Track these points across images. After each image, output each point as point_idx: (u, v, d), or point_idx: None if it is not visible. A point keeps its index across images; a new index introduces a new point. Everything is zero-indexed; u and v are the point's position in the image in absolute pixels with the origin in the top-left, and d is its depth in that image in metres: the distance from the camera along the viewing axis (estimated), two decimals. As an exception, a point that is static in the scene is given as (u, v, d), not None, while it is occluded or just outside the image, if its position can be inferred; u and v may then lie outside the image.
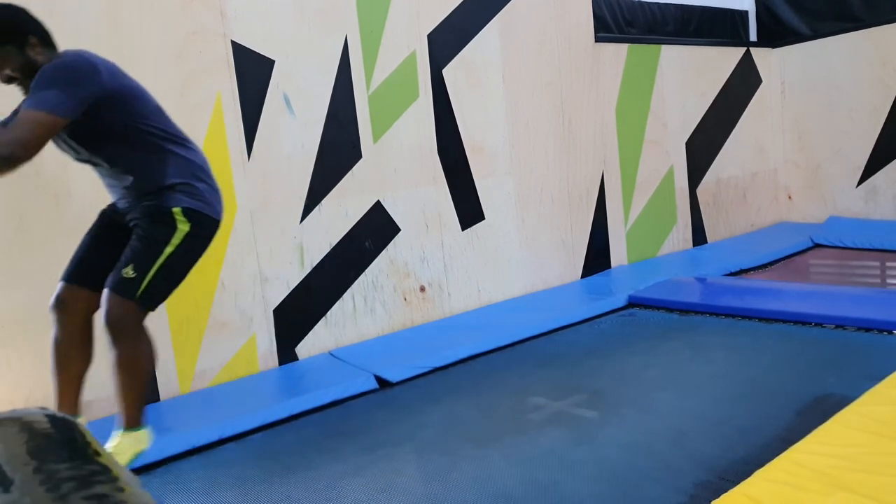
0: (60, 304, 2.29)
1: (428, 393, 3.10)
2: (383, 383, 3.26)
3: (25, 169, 2.16)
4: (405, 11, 3.99)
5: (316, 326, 3.71)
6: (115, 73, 2.17)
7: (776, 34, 6.54)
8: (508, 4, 4.46)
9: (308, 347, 3.68)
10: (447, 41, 4.19)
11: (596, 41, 5.00)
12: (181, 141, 2.31)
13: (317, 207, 3.69)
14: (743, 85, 6.21)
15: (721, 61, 6.01)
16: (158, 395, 3.16)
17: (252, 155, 3.46)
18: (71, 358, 2.31)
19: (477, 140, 4.35)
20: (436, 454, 2.43)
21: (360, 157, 3.84)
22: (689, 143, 5.73)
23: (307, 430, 2.80)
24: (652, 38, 5.52)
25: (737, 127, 6.17)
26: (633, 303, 4.31)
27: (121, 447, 2.21)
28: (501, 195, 4.50)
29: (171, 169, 2.24)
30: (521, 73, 4.55)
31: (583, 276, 4.99)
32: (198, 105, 3.27)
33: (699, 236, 5.89)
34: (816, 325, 3.49)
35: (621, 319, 4.06)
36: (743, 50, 6.21)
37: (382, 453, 2.48)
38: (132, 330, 2.20)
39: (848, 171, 6.15)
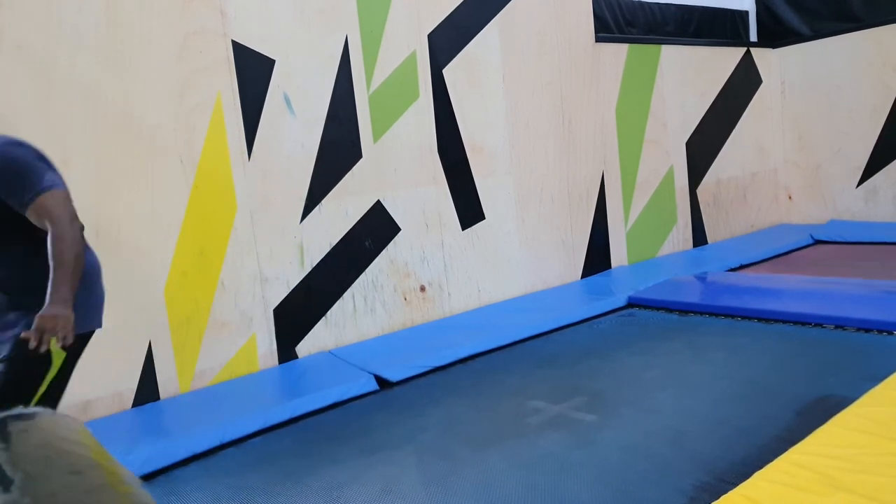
0: None
1: (427, 393, 3.10)
2: (383, 383, 3.26)
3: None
4: (405, 11, 3.99)
5: (316, 326, 3.71)
6: None
7: (776, 34, 6.54)
8: (508, 4, 4.46)
9: (308, 347, 3.68)
10: (447, 41, 4.18)
11: (596, 41, 4.99)
12: None
13: (317, 207, 3.69)
14: (743, 85, 6.21)
15: (721, 61, 6.01)
16: (159, 395, 3.16)
17: (252, 155, 3.46)
18: None
19: (477, 140, 4.35)
20: (435, 458, 2.43)
21: (360, 156, 3.84)
22: (689, 143, 5.73)
23: (307, 433, 2.80)
24: (652, 38, 5.52)
25: (737, 127, 6.17)
26: (633, 303, 4.31)
27: None
28: (501, 195, 4.50)
29: None
30: (521, 72, 4.55)
31: (583, 276, 4.99)
32: (198, 105, 3.27)
33: (699, 236, 5.89)
34: (816, 325, 3.49)
35: (621, 320, 4.06)
36: (743, 50, 6.20)
37: (382, 457, 2.48)
38: None
39: (848, 171, 6.15)
